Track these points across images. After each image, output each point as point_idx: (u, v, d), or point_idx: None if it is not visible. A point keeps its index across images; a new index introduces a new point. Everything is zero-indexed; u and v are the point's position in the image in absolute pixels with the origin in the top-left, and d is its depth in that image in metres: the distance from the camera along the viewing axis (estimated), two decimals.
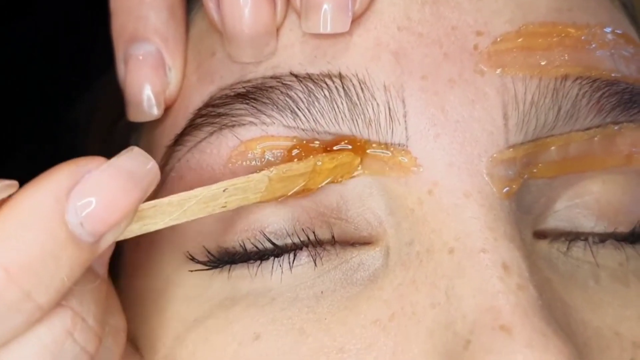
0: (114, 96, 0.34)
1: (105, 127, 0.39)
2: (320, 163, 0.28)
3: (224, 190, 0.27)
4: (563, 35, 0.29)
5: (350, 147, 0.28)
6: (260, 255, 0.29)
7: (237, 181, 0.27)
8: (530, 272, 0.26)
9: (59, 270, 0.23)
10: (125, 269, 0.34)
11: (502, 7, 0.29)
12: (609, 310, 0.29)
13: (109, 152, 0.25)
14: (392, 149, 0.28)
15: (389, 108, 0.28)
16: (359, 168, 0.29)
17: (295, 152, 0.29)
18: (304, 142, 0.29)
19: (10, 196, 0.23)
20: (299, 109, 0.29)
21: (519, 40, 0.29)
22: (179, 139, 0.31)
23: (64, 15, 0.48)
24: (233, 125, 0.29)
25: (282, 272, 0.29)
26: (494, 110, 0.28)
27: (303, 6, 0.29)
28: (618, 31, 0.31)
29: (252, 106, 0.29)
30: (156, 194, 0.30)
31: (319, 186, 0.29)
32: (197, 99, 0.31)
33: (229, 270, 0.29)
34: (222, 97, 0.30)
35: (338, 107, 0.28)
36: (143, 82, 0.31)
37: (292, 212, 0.29)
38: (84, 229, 0.23)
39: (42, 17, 0.48)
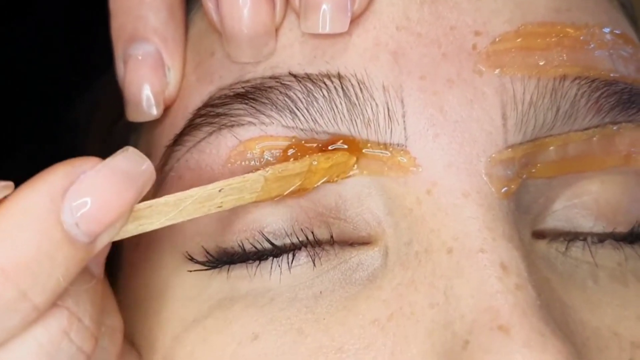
0: (114, 96, 0.34)
1: (105, 127, 0.39)
2: (316, 163, 0.28)
3: (219, 190, 0.27)
4: (562, 35, 0.29)
5: (346, 146, 0.28)
6: (259, 256, 0.29)
7: (233, 181, 0.27)
8: (529, 272, 0.26)
9: (55, 270, 0.23)
10: (124, 269, 0.34)
11: (501, 7, 0.29)
12: (608, 310, 0.29)
13: (109, 152, 0.25)
14: (390, 149, 0.28)
15: (388, 108, 0.28)
16: (355, 167, 0.29)
17: (291, 151, 0.29)
18: (300, 141, 0.29)
19: (5, 197, 0.23)
20: (297, 109, 0.29)
21: (518, 40, 0.29)
22: (178, 139, 0.31)
23: (64, 15, 0.48)
24: (232, 125, 0.29)
25: (280, 272, 0.29)
26: (492, 111, 0.28)
27: (302, 6, 0.29)
28: (617, 31, 0.31)
29: (251, 106, 0.29)
30: (155, 194, 0.30)
31: (315, 186, 0.29)
32: (196, 99, 0.31)
33: (228, 270, 0.29)
34: (221, 97, 0.30)
35: (337, 107, 0.28)
36: (142, 82, 0.31)
37: (291, 212, 0.29)
38: (79, 229, 0.23)
39: (42, 17, 0.48)
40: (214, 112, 0.30)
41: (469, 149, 0.28)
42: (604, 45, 0.30)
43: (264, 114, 0.29)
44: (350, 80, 0.28)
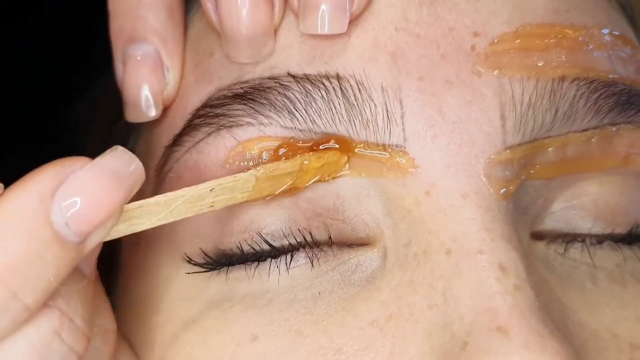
0: (114, 96, 0.34)
1: (105, 127, 0.39)
2: (307, 162, 0.28)
3: (211, 190, 0.27)
4: (560, 36, 0.29)
5: (337, 146, 0.28)
6: (257, 257, 0.29)
7: (224, 181, 0.27)
8: (528, 273, 0.26)
9: (45, 271, 0.23)
10: (122, 270, 0.34)
11: (500, 8, 0.29)
12: (607, 312, 0.29)
13: None
14: (389, 150, 0.28)
15: (387, 109, 0.28)
16: (346, 167, 0.29)
17: (282, 151, 0.29)
18: (291, 140, 0.29)
19: None
20: (296, 110, 0.29)
21: (517, 41, 0.29)
22: (177, 140, 0.31)
23: (64, 15, 0.48)
24: (231, 126, 0.29)
25: (279, 273, 0.29)
26: (491, 112, 0.28)
27: (301, 7, 0.29)
28: (616, 32, 0.31)
29: (250, 107, 0.29)
30: (154, 194, 0.30)
31: (307, 185, 0.29)
32: (195, 99, 0.31)
33: (227, 272, 0.29)
34: (220, 98, 0.30)
35: (335, 107, 0.28)
36: (141, 83, 0.31)
37: (289, 213, 0.29)
38: (69, 229, 0.23)
39: (42, 17, 0.48)
40: (212, 113, 0.30)
41: (467, 150, 0.28)
42: (603, 46, 0.30)
43: (262, 115, 0.29)
44: (348, 81, 0.28)
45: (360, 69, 0.28)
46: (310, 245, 0.29)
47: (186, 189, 0.26)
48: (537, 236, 0.29)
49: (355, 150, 0.28)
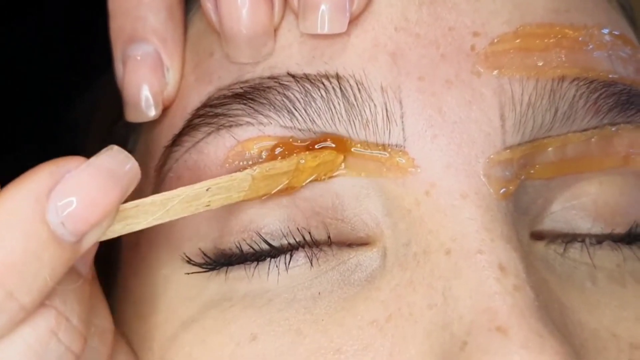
0: (114, 96, 0.34)
1: (105, 127, 0.39)
2: (303, 161, 0.28)
3: (207, 190, 0.27)
4: (560, 36, 0.29)
5: (333, 145, 0.28)
6: (256, 257, 0.29)
7: (220, 180, 0.27)
8: (527, 273, 0.26)
9: (42, 270, 0.23)
10: (121, 270, 0.34)
11: (500, 8, 0.29)
12: (606, 312, 0.28)
13: None
14: (389, 149, 0.28)
15: (386, 109, 0.28)
16: (342, 166, 0.29)
17: (278, 150, 0.29)
18: (288, 139, 0.29)
19: None
20: (295, 109, 0.29)
21: (517, 41, 0.29)
22: (177, 140, 0.31)
23: (64, 15, 0.48)
24: (230, 126, 0.29)
25: (278, 273, 0.29)
26: (491, 112, 0.28)
27: (301, 6, 0.29)
28: (616, 32, 0.31)
29: (250, 106, 0.29)
30: (154, 194, 0.30)
31: (303, 184, 0.29)
32: (195, 99, 0.31)
33: (226, 271, 0.29)
34: (220, 98, 0.30)
35: (335, 107, 0.28)
36: (141, 83, 0.31)
37: (288, 213, 0.29)
38: (65, 229, 0.23)
39: (42, 17, 0.48)
40: (212, 113, 0.30)
41: (467, 150, 0.28)
42: (603, 46, 0.30)
43: (262, 114, 0.29)
44: (348, 81, 0.28)
45: (360, 69, 0.28)
46: (310, 244, 0.29)
47: (182, 188, 0.26)
48: (537, 236, 0.29)
49: (352, 150, 0.28)
